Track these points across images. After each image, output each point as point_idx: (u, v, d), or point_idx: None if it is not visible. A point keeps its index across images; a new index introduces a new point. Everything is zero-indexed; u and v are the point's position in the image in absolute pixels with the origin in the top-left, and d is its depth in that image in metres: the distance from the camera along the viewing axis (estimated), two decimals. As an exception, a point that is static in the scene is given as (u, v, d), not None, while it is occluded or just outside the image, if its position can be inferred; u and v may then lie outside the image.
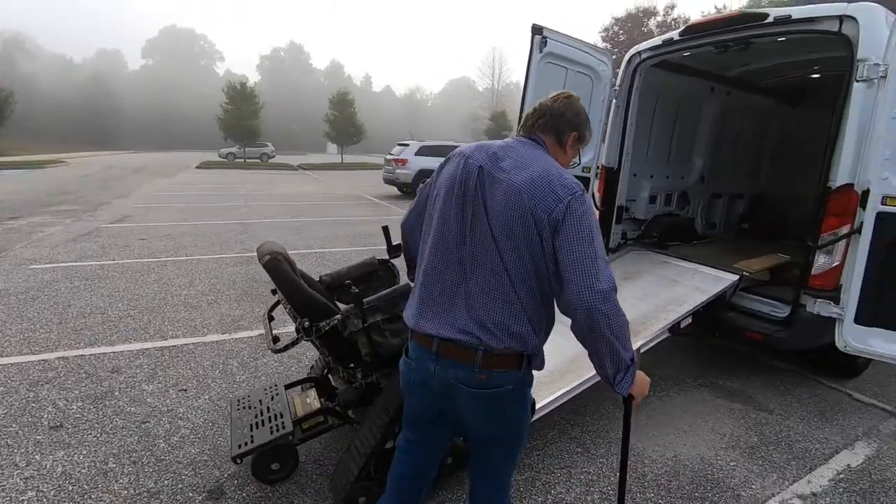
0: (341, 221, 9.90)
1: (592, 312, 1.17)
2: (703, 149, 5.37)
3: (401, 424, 1.58)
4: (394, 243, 2.01)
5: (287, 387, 2.56)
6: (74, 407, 2.78)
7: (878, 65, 2.54)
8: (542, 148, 1.38)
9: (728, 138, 5.54)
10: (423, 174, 14.23)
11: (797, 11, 2.91)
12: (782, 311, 3.14)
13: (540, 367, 1.39)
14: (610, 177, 4.42)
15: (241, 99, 31.65)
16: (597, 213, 4.51)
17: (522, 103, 3.95)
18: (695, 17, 32.51)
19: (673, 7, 33.79)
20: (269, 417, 2.24)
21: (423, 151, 14.58)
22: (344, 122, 33.87)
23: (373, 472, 1.99)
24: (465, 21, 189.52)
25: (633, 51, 4.15)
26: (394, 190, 15.67)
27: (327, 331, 1.96)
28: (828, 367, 3.56)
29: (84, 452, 2.39)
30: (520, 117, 4.05)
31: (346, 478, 1.96)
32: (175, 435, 2.57)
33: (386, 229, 2.21)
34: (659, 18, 33.47)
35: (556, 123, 1.39)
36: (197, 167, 26.27)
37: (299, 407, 2.35)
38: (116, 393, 2.96)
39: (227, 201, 12.45)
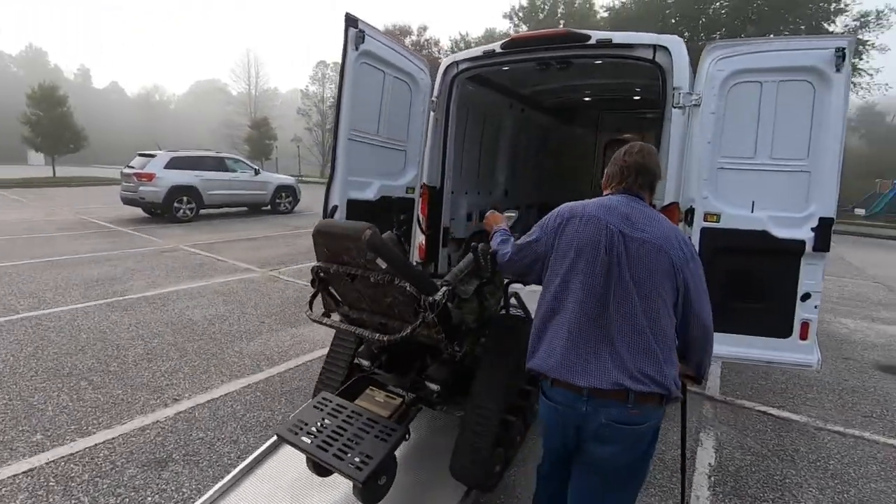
0: (66, 262, 7.09)
1: (709, 329, 1.56)
2: (506, 163, 5.57)
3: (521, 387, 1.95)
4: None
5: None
6: None
7: (690, 94, 2.77)
8: (646, 203, 1.61)
9: (521, 153, 5.90)
10: (177, 191, 11.58)
11: (617, 37, 3.03)
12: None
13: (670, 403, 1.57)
14: (434, 196, 4.09)
15: None
16: (422, 237, 4.14)
17: (338, 107, 3.24)
18: (444, 40, 36.23)
19: (426, 29, 36.93)
20: (362, 427, 1.99)
21: (176, 164, 11.76)
22: (53, 124, 25.80)
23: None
24: (212, 16, 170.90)
25: (449, 60, 3.88)
26: (137, 212, 12.20)
27: (443, 303, 1.88)
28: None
29: None
30: (336, 122, 3.31)
31: (480, 452, 1.99)
32: None
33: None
34: (413, 38, 36.16)
35: (653, 181, 1.64)
36: None
37: (377, 408, 2.15)
38: None
39: None
